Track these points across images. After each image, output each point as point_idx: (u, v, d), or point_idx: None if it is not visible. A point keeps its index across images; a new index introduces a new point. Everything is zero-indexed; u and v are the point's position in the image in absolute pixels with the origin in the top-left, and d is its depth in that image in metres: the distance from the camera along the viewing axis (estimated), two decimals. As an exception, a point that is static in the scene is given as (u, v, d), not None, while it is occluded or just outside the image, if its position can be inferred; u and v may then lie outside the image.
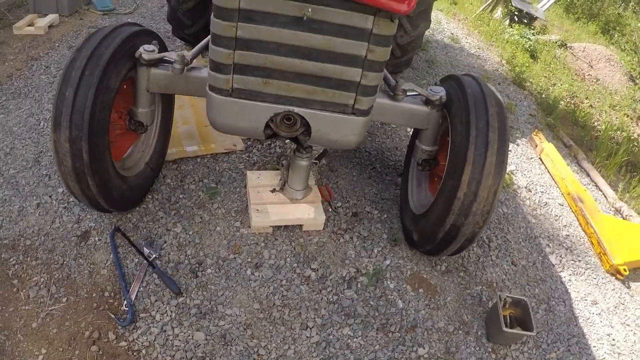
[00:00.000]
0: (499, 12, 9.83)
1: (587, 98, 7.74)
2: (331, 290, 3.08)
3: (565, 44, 9.36)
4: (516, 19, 9.37)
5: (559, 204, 4.58)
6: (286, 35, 2.42)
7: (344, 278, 3.16)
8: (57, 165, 2.72)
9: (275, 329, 2.85)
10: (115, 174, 2.94)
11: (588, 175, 5.25)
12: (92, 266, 3.01)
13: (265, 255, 3.17)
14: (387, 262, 3.33)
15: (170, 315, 2.80)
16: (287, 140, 3.47)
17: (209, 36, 3.29)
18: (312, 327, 2.88)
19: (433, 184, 3.52)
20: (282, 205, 3.32)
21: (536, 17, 9.57)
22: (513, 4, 9.36)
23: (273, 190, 3.41)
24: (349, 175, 3.99)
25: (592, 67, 9.09)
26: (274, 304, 2.95)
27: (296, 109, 2.66)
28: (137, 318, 2.78)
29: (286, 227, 3.36)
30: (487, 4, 9.96)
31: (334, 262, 3.24)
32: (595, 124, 7.01)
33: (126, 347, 2.68)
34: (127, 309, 2.80)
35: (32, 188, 3.47)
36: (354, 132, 2.79)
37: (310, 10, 2.32)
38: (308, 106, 2.67)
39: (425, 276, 3.34)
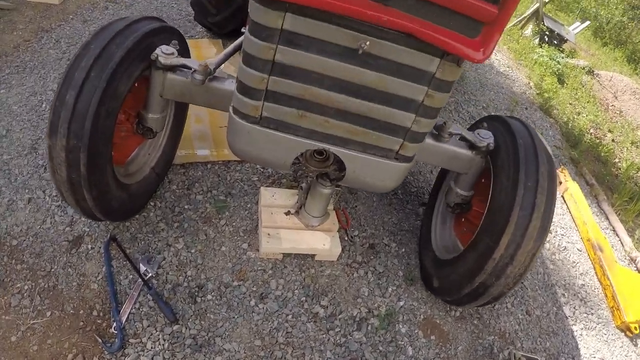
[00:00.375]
0: (529, 29, 9.53)
1: (610, 131, 7.48)
2: (339, 331, 2.82)
3: (593, 71, 9.08)
4: (546, 39, 9.08)
5: (578, 249, 4.37)
6: (333, 67, 2.08)
7: (354, 318, 2.90)
8: (51, 173, 2.43)
9: (277, 372, 2.60)
10: (116, 184, 2.66)
11: (607, 218, 5.10)
12: (81, 278, 2.74)
13: (272, 285, 2.91)
14: (401, 303, 3.08)
15: (163, 345, 2.54)
16: None
17: (238, 42, 3.02)
18: (317, 372, 2.64)
19: (459, 226, 3.28)
20: (296, 232, 3.06)
21: (566, 40, 9.29)
22: (545, 24, 9.07)
23: (287, 213, 3.14)
24: (369, 200, 3.72)
25: (616, 98, 8.83)
26: (277, 342, 2.69)
27: (332, 148, 2.35)
28: (126, 344, 2.52)
29: (298, 254, 3.10)
30: (517, 20, 9.65)
31: (345, 299, 2.98)
32: (617, 160, 6.77)
33: (111, 377, 2.43)
34: (116, 332, 2.53)
35: (25, 179, 3.18)
36: (393, 178, 2.51)
37: (367, 43, 1.97)
38: (346, 146, 2.36)
39: (438, 321, 3.10)
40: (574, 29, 10.26)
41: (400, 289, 3.16)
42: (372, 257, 3.27)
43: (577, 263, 4.22)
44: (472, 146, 2.86)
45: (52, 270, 2.75)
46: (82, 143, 2.28)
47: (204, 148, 3.70)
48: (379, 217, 3.60)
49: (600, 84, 8.91)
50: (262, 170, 3.65)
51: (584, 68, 8.94)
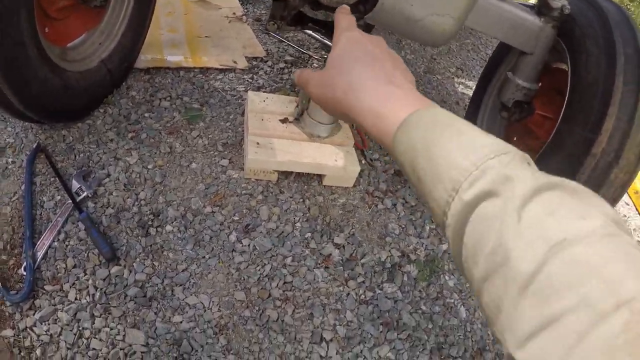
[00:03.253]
0: None
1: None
2: (363, 282, 1.93)
3: None
4: None
5: (625, 203, 3.48)
6: None
7: (383, 264, 2.02)
8: None
9: (269, 339, 1.71)
10: (40, 56, 1.80)
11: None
12: (-10, 200, 1.87)
13: (263, 214, 2.01)
14: (444, 247, 2.20)
15: (93, 295, 1.66)
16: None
17: None
18: (331, 340, 1.75)
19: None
20: (297, 143, 2.16)
21: None
22: None
23: (284, 120, 2.24)
24: (390, 120, 2.82)
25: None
26: (270, 296, 1.80)
27: None
28: (38, 292, 1.65)
29: (299, 175, 2.20)
30: None
31: (368, 237, 2.09)
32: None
33: (11, 340, 1.56)
34: (25, 273, 1.66)
35: None
36: (452, 11, 1.68)
37: None
38: None
39: (492, 274, 2.21)
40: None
41: (440, 228, 2.27)
42: (399, 186, 2.38)
43: (628, 218, 3.34)
44: (540, 11, 2.08)
45: (-47, 189, 1.88)
46: None
47: (176, 54, 2.82)
48: (406, 141, 2.71)
49: None
50: (250, 80, 2.75)
51: None
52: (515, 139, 2.47)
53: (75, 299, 1.65)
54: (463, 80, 3.78)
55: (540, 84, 2.23)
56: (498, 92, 2.40)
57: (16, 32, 1.68)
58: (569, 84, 1.98)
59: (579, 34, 2.00)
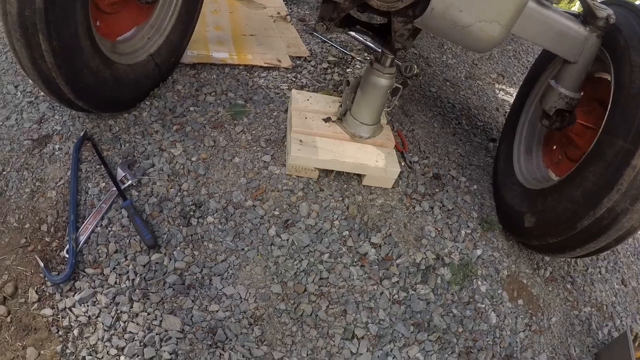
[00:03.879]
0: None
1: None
2: (397, 282, 1.94)
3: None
4: None
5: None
6: None
7: (417, 265, 2.02)
8: (2, 17, 1.68)
9: (302, 333, 1.73)
10: (93, 48, 1.88)
11: None
12: (37, 184, 1.95)
13: (303, 210, 2.04)
14: (478, 252, 2.19)
15: (133, 280, 1.72)
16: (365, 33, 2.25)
17: None
18: (362, 337, 1.76)
19: (550, 154, 2.47)
20: (339, 142, 2.18)
21: None
22: None
23: (327, 120, 2.27)
24: (429, 125, 2.82)
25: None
26: (306, 290, 1.83)
27: None
28: (79, 274, 1.70)
29: (339, 174, 2.22)
30: None
31: (404, 238, 2.10)
32: None
33: (50, 319, 1.62)
34: (67, 256, 1.72)
35: None
36: (500, 18, 1.68)
37: None
38: None
39: (525, 282, 2.24)
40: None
41: (475, 234, 2.26)
42: (437, 190, 2.38)
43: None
44: (585, 20, 2.05)
45: (3, 173, 1.98)
46: None
47: (221, 51, 2.87)
48: (442, 146, 2.71)
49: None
50: (293, 79, 2.79)
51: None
52: (555, 147, 2.45)
53: (115, 283, 1.71)
54: (504, 87, 3.75)
55: (582, 93, 2.19)
56: (540, 99, 2.37)
57: (72, 23, 1.75)
58: (611, 95, 1.95)
59: (624, 44, 1.97)
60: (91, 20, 1.86)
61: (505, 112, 3.31)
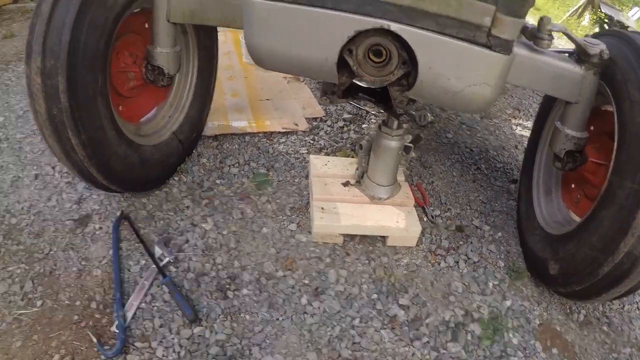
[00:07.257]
0: (586, 18, 8.69)
1: None
2: (428, 342, 2.00)
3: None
4: (606, 27, 8.20)
5: None
6: None
7: (447, 324, 2.08)
8: (33, 114, 1.88)
9: (340, 399, 1.80)
10: (118, 136, 2.04)
11: None
12: (83, 262, 2.08)
13: (331, 277, 2.13)
14: (508, 303, 2.24)
15: (178, 353, 1.81)
16: (368, 107, 2.36)
17: None
18: (399, 401, 1.83)
19: (570, 193, 2.44)
20: (359, 206, 2.29)
21: (627, 27, 8.36)
22: (602, 11, 8.21)
23: (346, 184, 2.38)
24: (448, 174, 2.91)
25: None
26: (340, 356, 1.90)
27: (394, 26, 1.61)
28: (129, 348, 1.80)
29: (363, 237, 2.32)
30: (573, 10, 8.85)
31: (432, 297, 2.17)
32: None
33: (105, 394, 1.71)
34: (117, 331, 1.83)
35: (36, 156, 2.61)
36: (489, 78, 1.71)
37: None
38: (414, 22, 1.62)
39: (558, 328, 2.24)
40: (633, 15, 9.27)
41: (503, 284, 2.32)
42: (461, 242, 2.45)
43: None
44: (579, 59, 2.04)
45: (51, 252, 2.12)
46: (60, 63, 1.74)
47: (240, 120, 3.02)
48: (463, 195, 2.79)
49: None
50: (311, 142, 2.91)
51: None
52: (573, 185, 2.44)
53: (163, 355, 1.80)
54: (520, 122, 3.80)
55: (592, 128, 2.18)
56: (549, 142, 2.38)
57: (96, 117, 1.92)
58: (616, 132, 1.94)
59: (621, 78, 1.96)
60: (113, 107, 2.01)
61: (524, 148, 3.36)
